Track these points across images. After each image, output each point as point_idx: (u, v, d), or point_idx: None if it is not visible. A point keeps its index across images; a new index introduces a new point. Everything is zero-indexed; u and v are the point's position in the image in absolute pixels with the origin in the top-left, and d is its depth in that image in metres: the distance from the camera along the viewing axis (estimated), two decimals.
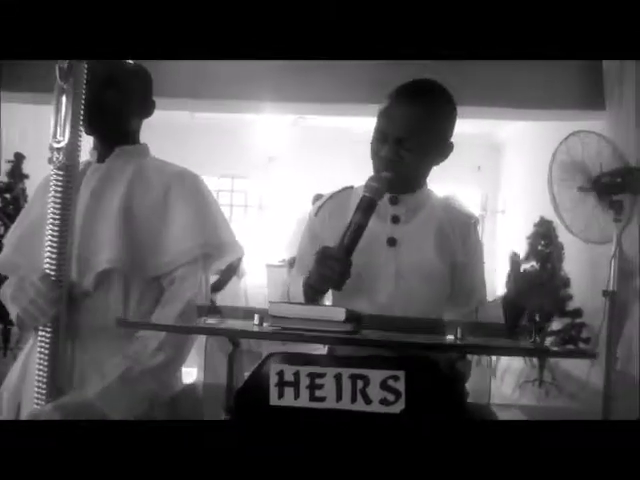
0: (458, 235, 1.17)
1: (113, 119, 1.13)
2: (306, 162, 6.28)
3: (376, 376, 0.74)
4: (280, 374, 0.77)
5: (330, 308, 0.85)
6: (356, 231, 1.01)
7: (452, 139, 1.16)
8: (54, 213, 1.02)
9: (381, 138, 1.11)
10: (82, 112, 1.03)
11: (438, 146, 1.14)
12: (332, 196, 1.21)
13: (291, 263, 5.29)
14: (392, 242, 1.14)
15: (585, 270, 3.53)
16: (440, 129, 1.14)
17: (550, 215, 3.38)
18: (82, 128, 1.05)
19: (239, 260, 5.32)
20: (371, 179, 1.07)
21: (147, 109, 1.19)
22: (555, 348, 0.95)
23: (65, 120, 1.00)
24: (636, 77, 2.99)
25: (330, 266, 0.99)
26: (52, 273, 1.01)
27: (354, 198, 1.08)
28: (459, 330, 0.73)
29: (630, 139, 2.90)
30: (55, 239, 1.01)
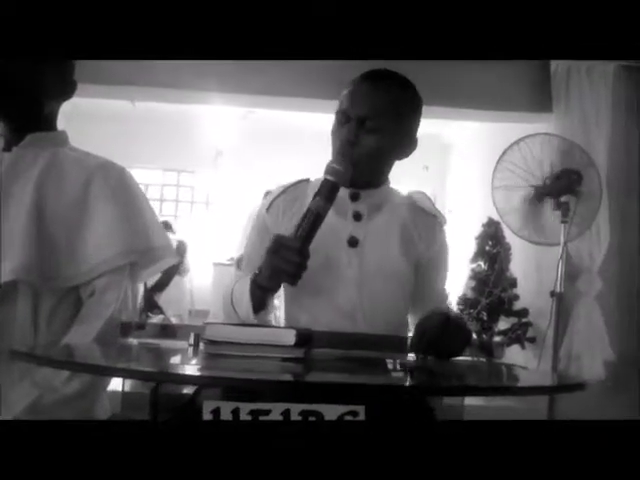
0: (423, 235, 1.11)
1: (22, 99, 0.95)
2: (255, 157, 6.11)
3: (331, 412, 0.64)
4: (215, 412, 0.65)
5: (277, 330, 0.74)
6: (314, 220, 0.89)
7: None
8: None
9: (342, 120, 1.04)
10: None
11: (401, 135, 1.07)
12: (285, 190, 1.09)
13: (238, 262, 5.15)
14: (353, 242, 1.05)
15: (531, 270, 3.60)
16: (404, 116, 1.07)
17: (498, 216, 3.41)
18: None
19: (180, 258, 5.09)
20: (334, 161, 0.95)
21: (65, 90, 1.01)
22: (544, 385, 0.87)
23: None
24: (581, 81, 3.06)
25: (284, 257, 0.86)
26: None
27: (311, 192, 0.98)
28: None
29: (576, 142, 2.96)
30: None
